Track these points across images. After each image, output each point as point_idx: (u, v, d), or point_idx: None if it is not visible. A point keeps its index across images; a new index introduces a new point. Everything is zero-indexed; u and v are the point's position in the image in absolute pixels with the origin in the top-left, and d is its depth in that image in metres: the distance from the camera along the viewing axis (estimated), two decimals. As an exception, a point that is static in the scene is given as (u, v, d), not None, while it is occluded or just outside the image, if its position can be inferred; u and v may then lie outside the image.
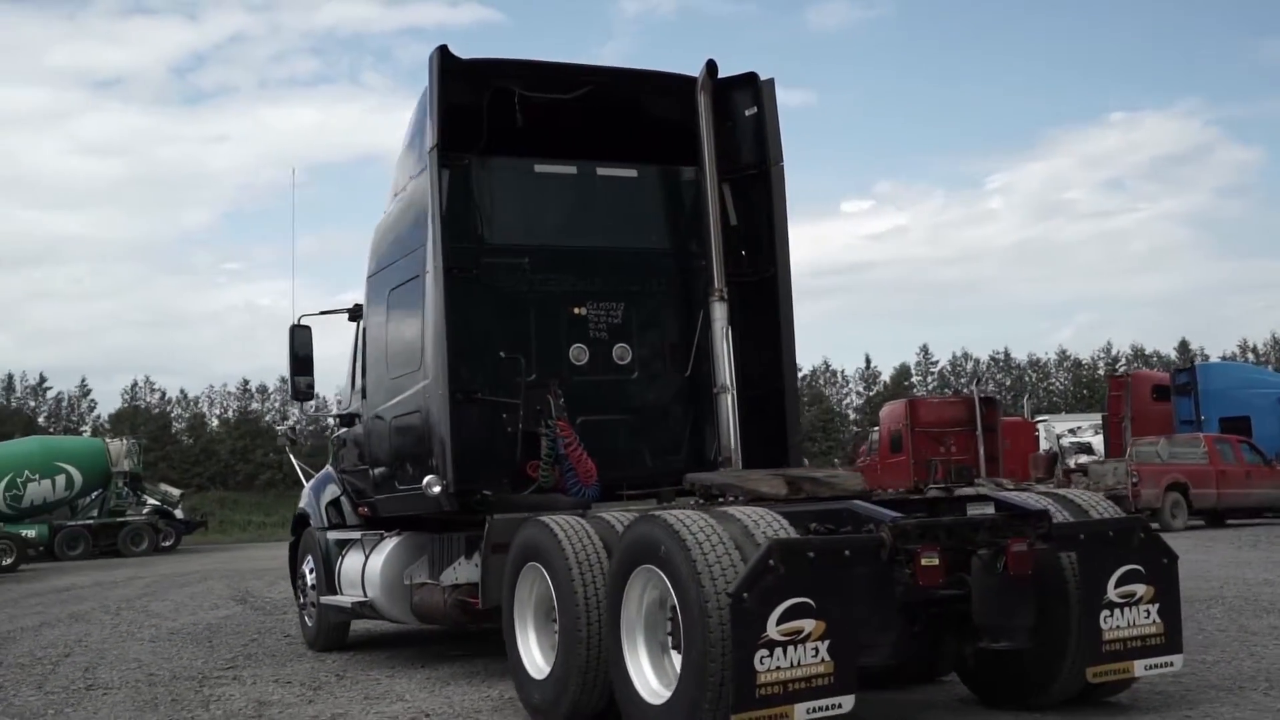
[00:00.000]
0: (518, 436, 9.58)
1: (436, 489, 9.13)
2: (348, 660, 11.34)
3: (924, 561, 6.46)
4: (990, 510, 7.18)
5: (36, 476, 38.06)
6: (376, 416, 10.73)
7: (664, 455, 10.09)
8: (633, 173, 10.40)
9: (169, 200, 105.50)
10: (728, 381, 9.87)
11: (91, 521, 39.05)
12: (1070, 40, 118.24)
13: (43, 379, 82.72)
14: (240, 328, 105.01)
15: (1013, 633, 7.02)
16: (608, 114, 10.29)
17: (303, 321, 11.63)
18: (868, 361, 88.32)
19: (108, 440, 41.77)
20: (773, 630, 6.05)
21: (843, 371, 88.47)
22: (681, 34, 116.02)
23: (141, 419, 74.75)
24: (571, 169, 10.19)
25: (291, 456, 14.55)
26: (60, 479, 38.34)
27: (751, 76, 10.45)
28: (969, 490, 8.23)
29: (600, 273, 10.11)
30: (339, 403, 15.48)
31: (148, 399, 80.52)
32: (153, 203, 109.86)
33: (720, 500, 7.76)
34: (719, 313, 9.95)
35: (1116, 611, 6.94)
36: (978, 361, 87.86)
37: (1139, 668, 7.02)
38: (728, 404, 9.86)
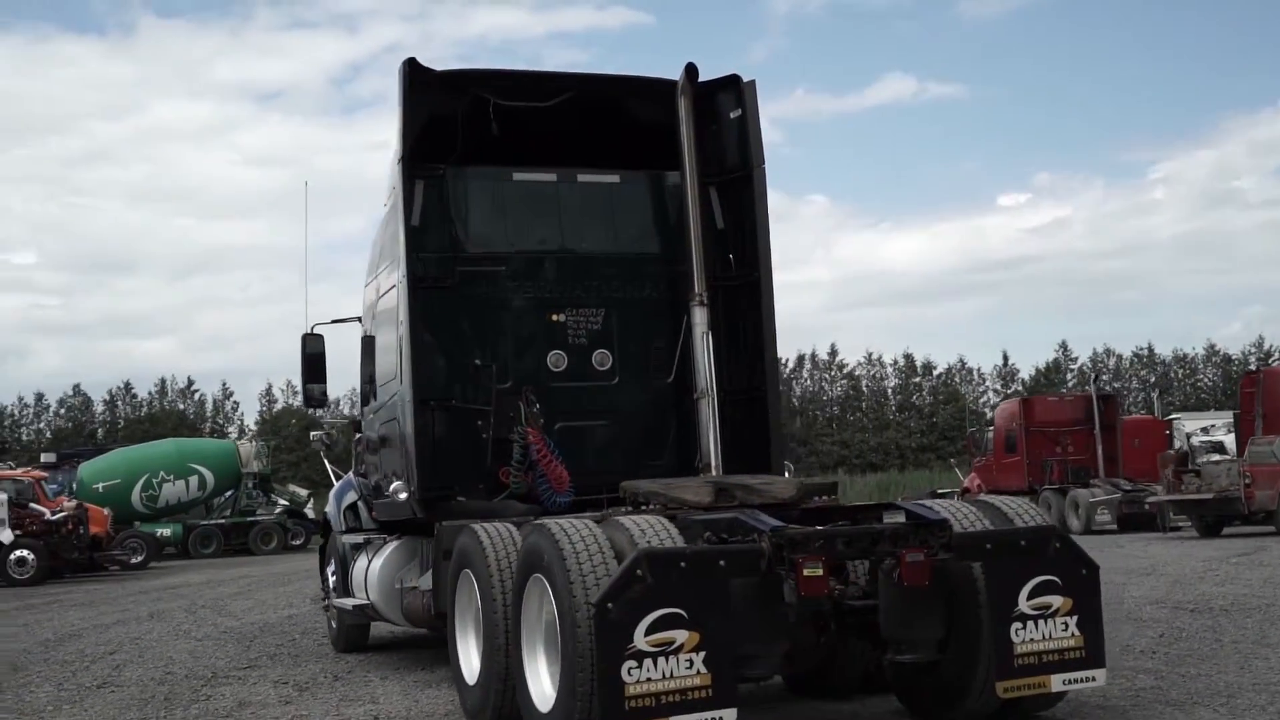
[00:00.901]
0: (489, 443, 9.66)
1: (403, 495, 9.29)
2: (359, 662, 11.56)
3: (806, 572, 6.35)
4: (896, 520, 7.02)
5: (171, 477, 39.40)
6: (370, 423, 10.94)
7: (647, 461, 10.06)
8: (614, 178, 10.41)
9: (330, 209, 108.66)
10: (707, 387, 9.82)
11: (223, 521, 40.30)
12: (1239, 23, 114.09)
13: (190, 382, 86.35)
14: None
15: (919, 645, 6.92)
16: (589, 121, 10.30)
17: (315, 330, 11.88)
18: (1005, 359, 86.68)
19: (239, 443, 43.08)
20: (641, 641, 6.01)
21: (979, 369, 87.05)
22: (832, 30, 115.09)
23: (283, 422, 77.13)
24: (551, 176, 10.24)
25: (325, 461, 14.84)
26: (193, 480, 39.62)
27: (734, 79, 10.37)
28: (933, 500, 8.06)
29: (579, 279, 10.14)
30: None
31: (290, 401, 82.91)
32: (314, 211, 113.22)
33: (642, 508, 7.73)
34: (699, 317, 9.92)
35: (1030, 624, 6.72)
36: (1120, 358, 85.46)
37: (1056, 682, 6.79)
38: (707, 409, 9.81)
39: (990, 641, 6.70)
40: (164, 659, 12.32)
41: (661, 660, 6.04)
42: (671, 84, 10.13)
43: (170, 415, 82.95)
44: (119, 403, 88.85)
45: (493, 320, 9.91)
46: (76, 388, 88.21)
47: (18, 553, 27.55)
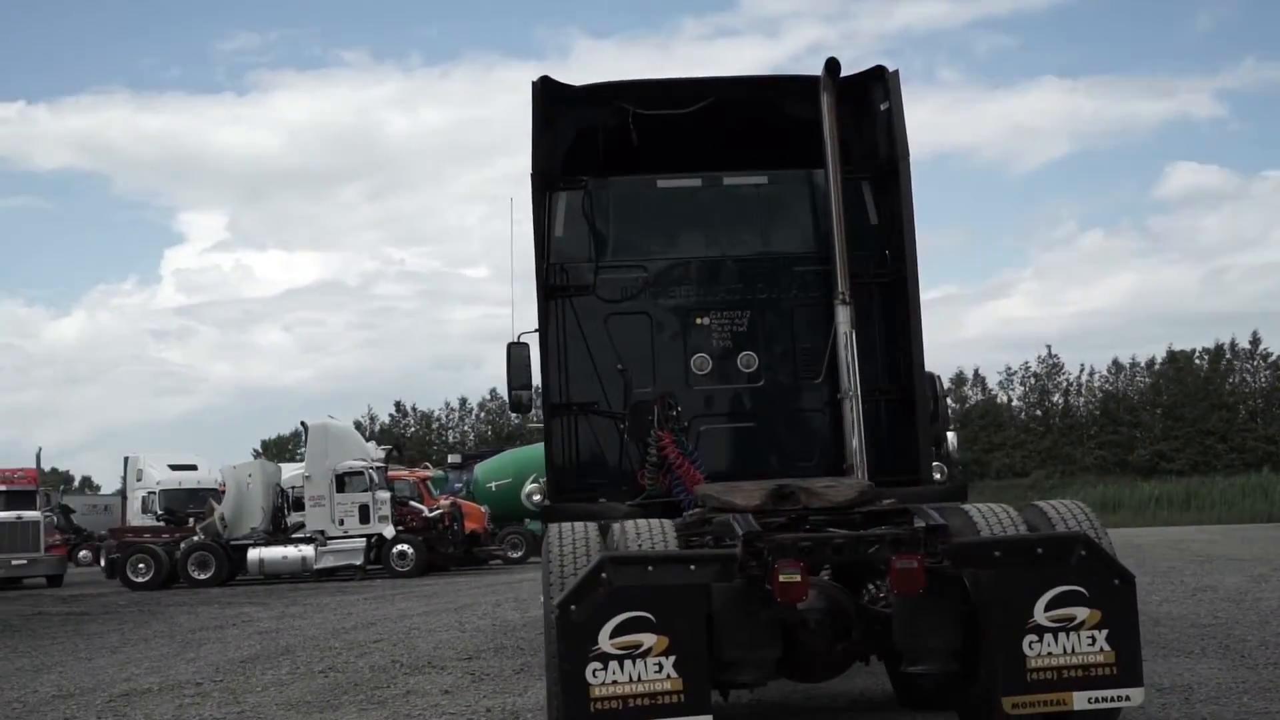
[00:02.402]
0: (628, 447, 9.88)
1: (536, 497, 9.65)
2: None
3: (782, 578, 6.24)
4: (892, 528, 6.74)
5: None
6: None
7: (794, 462, 9.98)
8: (762, 179, 10.37)
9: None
10: (851, 387, 9.66)
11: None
12: None
13: None
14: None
15: (932, 656, 6.66)
16: (735, 123, 10.32)
17: (521, 339, 12.35)
18: None
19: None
20: (605, 643, 6.10)
21: None
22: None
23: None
24: (696, 181, 10.33)
25: None
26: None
27: (881, 70, 10.12)
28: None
29: (724, 282, 10.18)
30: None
31: None
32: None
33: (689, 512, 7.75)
34: (842, 316, 9.77)
35: (1048, 637, 6.29)
36: None
37: (1080, 700, 6.31)
38: (850, 410, 9.65)
39: (1000, 654, 6.33)
40: (407, 649, 13.22)
41: (629, 663, 6.10)
42: (817, 80, 10.00)
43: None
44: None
45: (635, 326, 10.10)
46: (493, 392, 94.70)
47: (399, 547, 29.91)
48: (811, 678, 7.28)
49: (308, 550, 29.34)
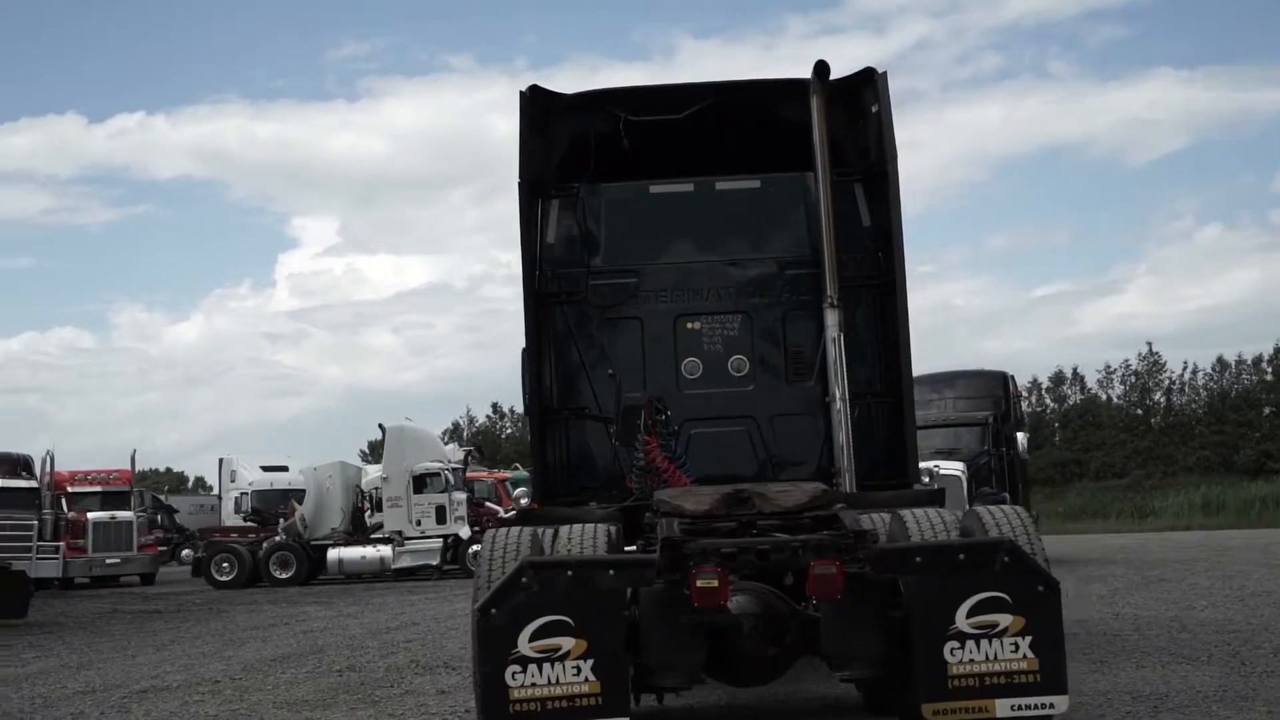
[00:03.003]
0: (616, 451, 9.96)
1: (524, 500, 9.78)
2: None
3: (700, 583, 6.28)
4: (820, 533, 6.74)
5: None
6: None
7: (786, 467, 9.98)
8: (755, 183, 10.37)
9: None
10: (838, 391, 9.65)
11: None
12: None
13: None
14: (933, 328, 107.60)
15: (859, 661, 6.68)
16: (729, 127, 10.34)
17: None
18: None
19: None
20: (525, 646, 6.22)
21: None
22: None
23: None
24: (688, 186, 10.36)
25: None
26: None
27: (871, 73, 10.08)
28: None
29: (715, 286, 10.20)
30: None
31: None
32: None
33: (647, 516, 7.82)
34: (831, 320, 9.75)
35: (970, 643, 6.26)
36: None
37: (1002, 707, 6.26)
38: (837, 414, 9.64)
39: (922, 660, 6.31)
40: (434, 649, 13.45)
41: (547, 666, 6.21)
42: (808, 83, 9.99)
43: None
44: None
45: (627, 331, 10.17)
46: None
47: (475, 547, 30.26)
48: (746, 681, 7.30)
49: (385, 550, 29.82)
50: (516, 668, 6.20)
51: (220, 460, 42.28)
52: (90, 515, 33.46)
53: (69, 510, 34.26)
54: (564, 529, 6.99)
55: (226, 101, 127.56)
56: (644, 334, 10.19)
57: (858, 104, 10.22)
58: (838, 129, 10.15)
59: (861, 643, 6.53)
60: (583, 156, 10.32)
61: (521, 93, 9.99)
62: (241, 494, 38.93)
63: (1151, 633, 11.99)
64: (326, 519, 31.07)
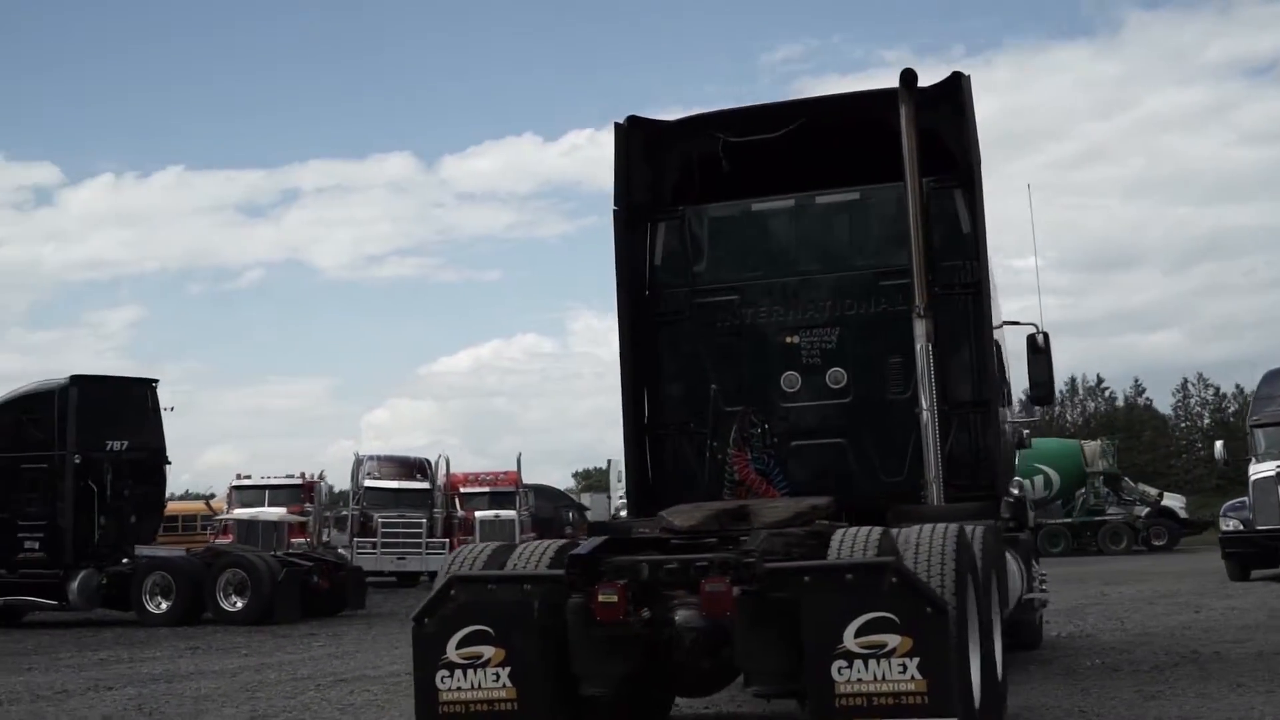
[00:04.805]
0: (709, 464, 10.28)
1: (623, 514, 10.28)
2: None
3: (601, 598, 6.67)
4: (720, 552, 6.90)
5: (1018, 477, 40.61)
6: None
7: (884, 478, 10.01)
8: (854, 195, 10.41)
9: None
10: (926, 401, 9.60)
11: (1071, 520, 40.77)
12: None
13: (1099, 380, 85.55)
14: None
15: (762, 677, 6.84)
16: (829, 141, 10.42)
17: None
18: None
19: (1083, 442, 43.04)
20: (452, 653, 6.84)
21: None
22: None
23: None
24: (789, 202, 10.52)
25: None
26: (1039, 479, 40.48)
27: (958, 76, 9.94)
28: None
29: (814, 300, 10.31)
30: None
31: (1201, 394, 79.20)
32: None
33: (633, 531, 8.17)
34: (920, 330, 9.69)
35: (857, 663, 6.30)
36: None
37: (890, 729, 6.27)
38: (925, 425, 9.59)
39: (811, 679, 6.40)
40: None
41: (471, 672, 6.80)
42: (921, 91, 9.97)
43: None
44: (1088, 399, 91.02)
45: (728, 347, 10.45)
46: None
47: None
48: (686, 692, 7.54)
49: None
50: (445, 672, 6.82)
51: (609, 461, 44.67)
52: (477, 514, 36.31)
53: (460, 510, 37.39)
54: (520, 547, 7.50)
55: (668, 111, 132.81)
56: (746, 350, 10.45)
57: (958, 108, 10.07)
58: (947, 133, 10.08)
59: (767, 659, 6.65)
60: (686, 180, 10.71)
61: (617, 124, 10.49)
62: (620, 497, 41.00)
63: None
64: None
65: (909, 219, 9.77)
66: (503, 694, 6.75)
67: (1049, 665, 11.09)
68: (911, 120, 9.82)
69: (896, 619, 6.27)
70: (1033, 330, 12.12)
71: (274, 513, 32.13)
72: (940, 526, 6.99)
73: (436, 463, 36.70)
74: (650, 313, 10.58)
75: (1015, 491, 10.05)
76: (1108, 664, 11.05)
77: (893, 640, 6.27)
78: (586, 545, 7.23)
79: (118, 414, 22.27)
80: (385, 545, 33.04)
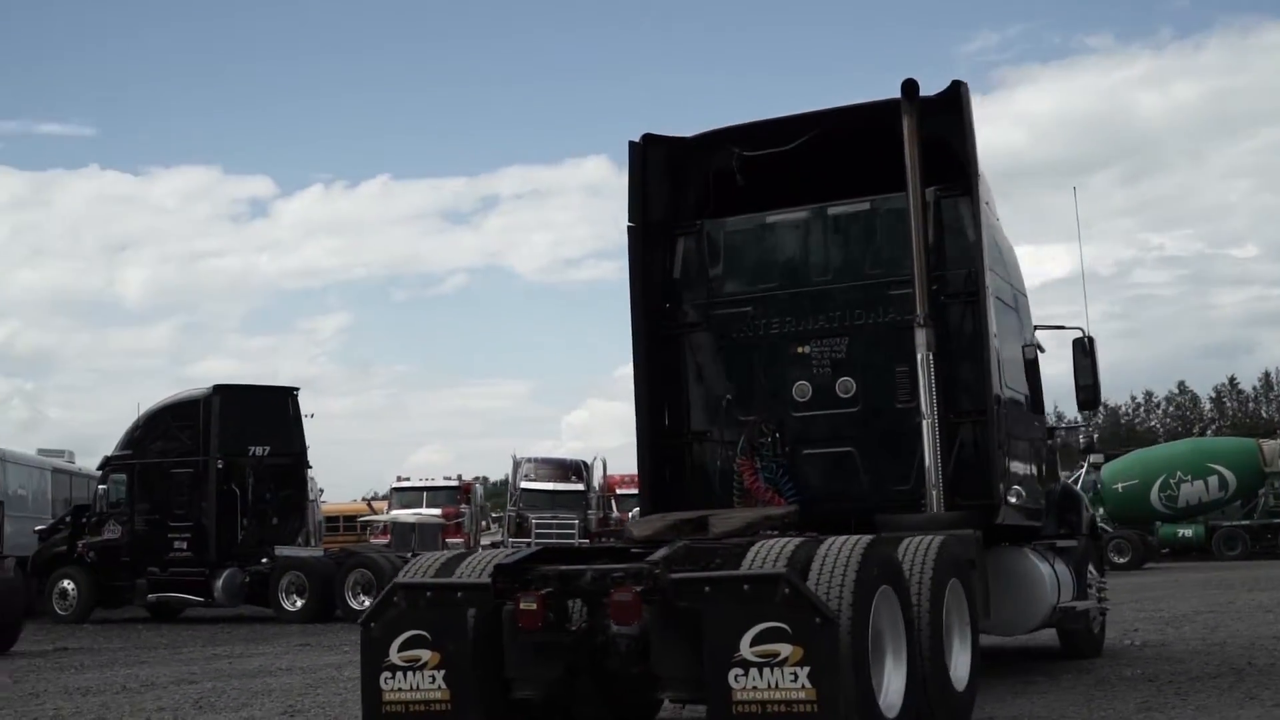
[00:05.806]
0: (719, 474, 10.50)
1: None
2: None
3: (522, 605, 7.01)
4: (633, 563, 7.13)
5: (1189, 477, 39.26)
6: None
7: (891, 485, 10.09)
8: (865, 205, 10.49)
9: None
10: (926, 409, 9.69)
11: (1250, 521, 39.24)
12: None
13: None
14: None
15: (672, 684, 7.08)
16: (842, 152, 10.53)
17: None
18: None
19: (1262, 441, 41.21)
20: (394, 656, 7.29)
21: None
22: None
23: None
24: (804, 213, 10.65)
25: None
26: (1213, 480, 39.07)
27: (958, 85, 9.97)
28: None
29: (824, 310, 10.44)
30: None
31: None
32: None
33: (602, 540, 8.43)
34: (920, 339, 9.80)
35: (752, 671, 6.50)
36: None
37: (782, 735, 6.45)
38: (926, 433, 9.67)
39: (709, 686, 6.61)
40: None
41: (410, 674, 7.24)
42: (928, 101, 10.07)
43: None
44: (1225, 400, 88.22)
45: (742, 357, 10.65)
46: (1181, 385, 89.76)
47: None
48: (621, 696, 7.74)
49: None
50: (388, 674, 7.26)
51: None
52: (630, 514, 36.98)
53: (616, 511, 38.08)
54: (471, 555, 7.89)
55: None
56: (758, 360, 10.64)
57: (960, 118, 10.08)
58: (955, 141, 10.11)
59: (677, 667, 6.86)
60: (702, 193, 10.95)
61: (632, 143, 10.79)
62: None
63: None
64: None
65: (910, 228, 9.87)
66: (438, 695, 7.15)
67: (1084, 675, 10.94)
68: (913, 130, 9.92)
69: (789, 629, 6.45)
70: (1079, 334, 12.01)
71: (428, 514, 33.25)
72: (851, 539, 7.12)
73: (593, 465, 37.45)
74: (668, 324, 10.84)
75: (1013, 500, 9.96)
76: (1146, 674, 10.84)
77: (785, 649, 6.44)
78: (515, 555, 7.57)
79: (260, 421, 23.51)
80: (538, 546, 33.87)
